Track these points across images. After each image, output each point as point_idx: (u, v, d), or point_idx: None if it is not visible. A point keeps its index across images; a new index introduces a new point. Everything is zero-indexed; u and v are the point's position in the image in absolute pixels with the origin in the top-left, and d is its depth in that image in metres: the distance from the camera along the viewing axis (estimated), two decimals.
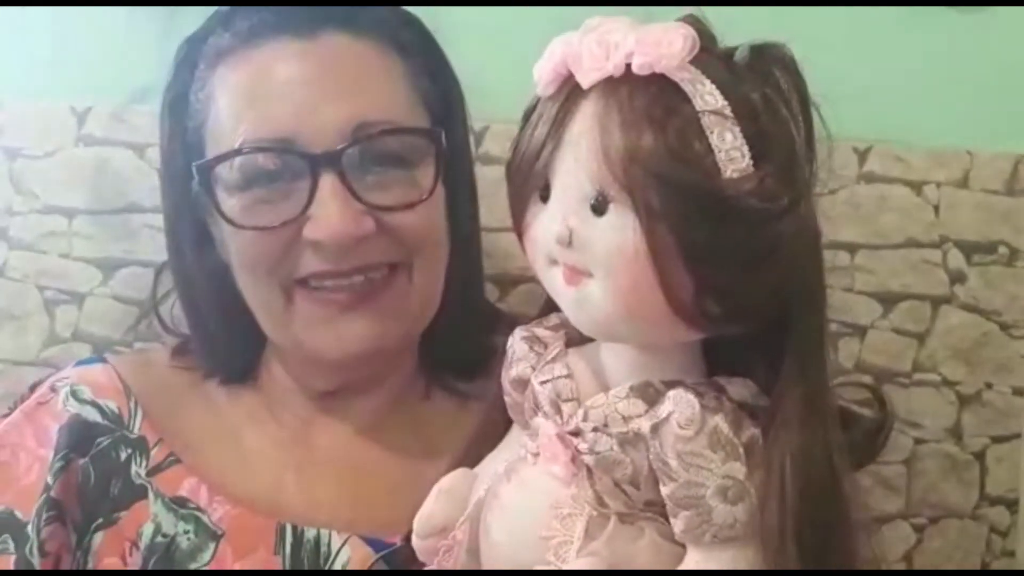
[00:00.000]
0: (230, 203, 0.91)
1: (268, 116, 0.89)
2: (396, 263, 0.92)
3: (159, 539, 0.94)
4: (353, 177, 0.88)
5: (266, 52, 0.91)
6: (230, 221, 0.91)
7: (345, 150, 0.87)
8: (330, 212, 0.87)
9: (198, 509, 0.95)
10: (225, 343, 1.00)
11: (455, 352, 1.00)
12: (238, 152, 0.89)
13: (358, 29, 0.93)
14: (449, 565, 0.75)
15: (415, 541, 0.78)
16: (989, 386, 1.21)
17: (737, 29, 0.68)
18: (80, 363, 1.04)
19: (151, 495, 0.95)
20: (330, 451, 0.98)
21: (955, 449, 1.21)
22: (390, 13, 0.96)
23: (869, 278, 1.20)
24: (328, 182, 0.87)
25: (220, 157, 0.91)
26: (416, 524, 0.78)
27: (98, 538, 0.94)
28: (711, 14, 0.68)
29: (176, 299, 1.05)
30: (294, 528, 0.93)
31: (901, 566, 1.21)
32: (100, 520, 0.95)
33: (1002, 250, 1.20)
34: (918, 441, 1.21)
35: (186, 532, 0.94)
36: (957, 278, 1.20)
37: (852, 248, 1.19)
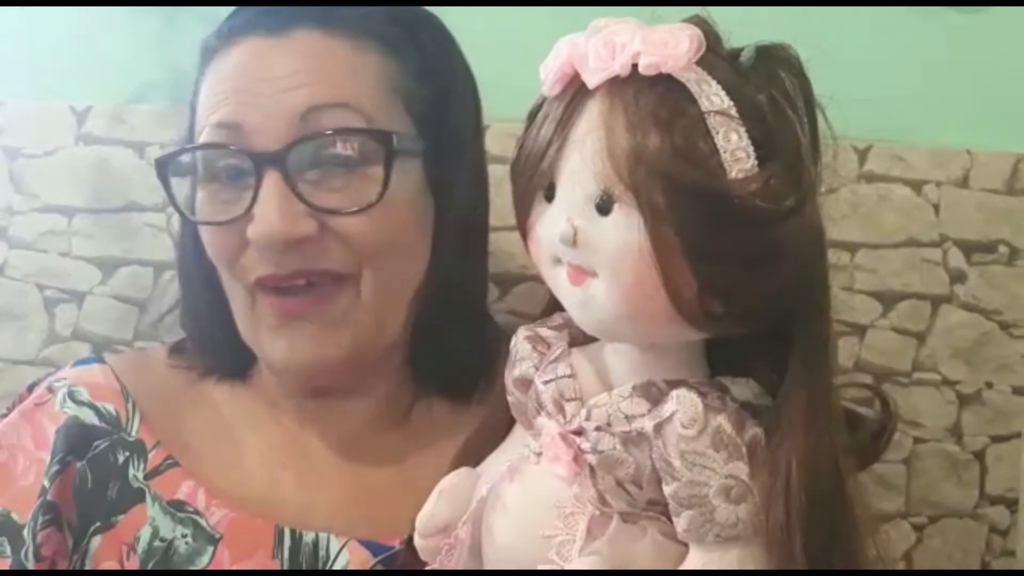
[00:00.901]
0: (199, 196, 0.92)
1: (222, 108, 0.89)
2: (342, 274, 0.90)
3: (157, 543, 0.93)
4: (300, 178, 0.87)
5: (241, 48, 0.91)
6: (182, 213, 0.92)
7: (290, 148, 0.86)
8: (270, 211, 0.86)
9: (196, 513, 0.94)
10: (221, 341, 0.99)
11: (453, 359, 0.98)
12: (189, 149, 0.91)
13: (334, 26, 0.91)
14: (451, 564, 0.75)
15: (417, 540, 0.78)
16: (989, 385, 1.21)
17: (742, 30, 0.68)
18: (78, 363, 1.03)
19: (149, 499, 0.95)
20: (328, 454, 0.98)
21: (955, 448, 1.21)
22: (380, 12, 0.94)
23: (869, 277, 1.20)
24: (272, 181, 0.86)
25: (174, 153, 0.92)
26: (418, 523, 0.78)
27: (95, 542, 0.94)
28: (717, 15, 0.68)
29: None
30: (292, 531, 0.93)
31: (901, 566, 1.21)
32: (97, 524, 0.94)
33: (1002, 249, 1.20)
34: (918, 440, 1.21)
35: (184, 536, 0.93)
36: (957, 277, 1.20)
37: (852, 247, 1.19)
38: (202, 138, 0.90)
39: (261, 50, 0.90)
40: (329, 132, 0.87)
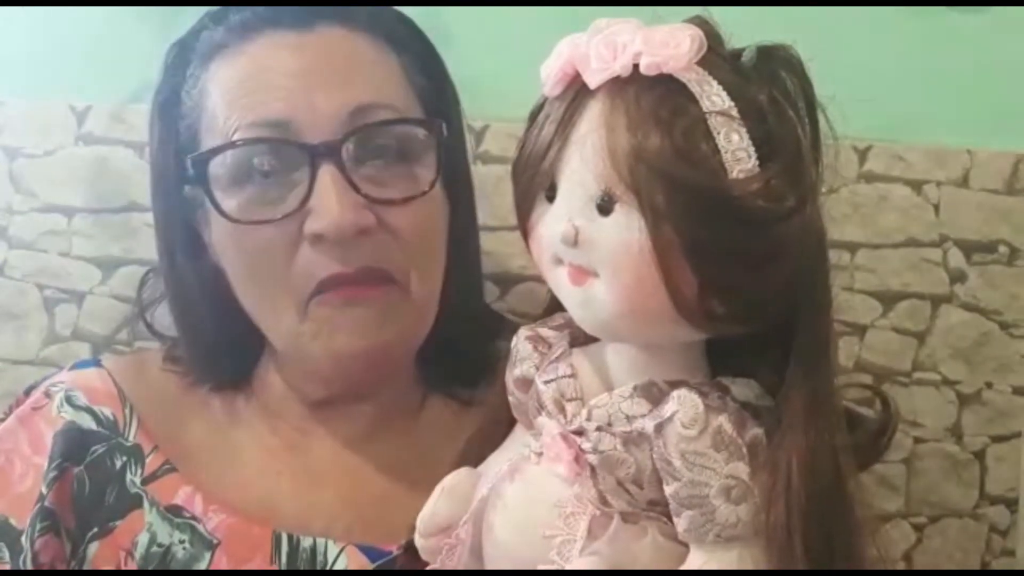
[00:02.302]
0: (227, 203, 0.88)
1: (263, 105, 0.87)
2: (395, 278, 0.89)
3: (155, 549, 0.93)
4: (351, 170, 0.86)
5: (260, 44, 0.90)
6: (228, 216, 0.88)
7: (344, 141, 0.86)
8: (331, 203, 0.85)
9: (193, 518, 0.94)
10: (217, 349, 0.99)
11: (455, 358, 0.98)
12: (233, 144, 0.88)
13: (353, 23, 0.91)
14: (452, 564, 0.75)
15: (418, 540, 0.78)
16: (989, 385, 1.21)
17: (743, 30, 0.68)
18: (75, 366, 1.03)
19: (146, 504, 0.94)
20: (326, 459, 0.97)
21: (955, 448, 1.21)
22: (384, 11, 0.95)
23: (869, 277, 1.20)
24: (327, 173, 0.85)
25: (216, 149, 0.88)
26: (419, 523, 0.77)
27: (93, 548, 0.93)
28: (719, 15, 0.68)
29: (163, 303, 1.04)
30: (290, 537, 0.93)
31: (901, 566, 1.21)
32: (95, 530, 0.94)
33: (1002, 249, 1.20)
34: (918, 440, 1.21)
35: (182, 542, 0.93)
36: (957, 277, 1.20)
37: (852, 247, 1.19)
38: (238, 136, 0.88)
39: (287, 45, 0.89)
40: (380, 121, 0.88)
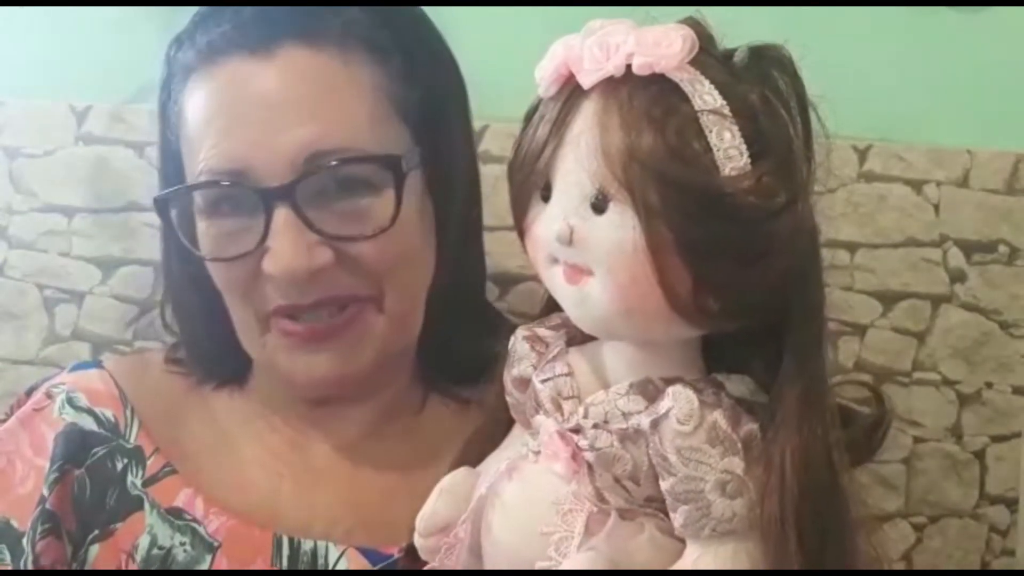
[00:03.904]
0: (201, 226, 0.90)
1: (224, 147, 0.87)
2: (364, 296, 0.90)
3: (155, 551, 0.93)
4: (309, 207, 0.86)
5: (225, 70, 0.88)
6: (194, 250, 0.90)
7: (297, 183, 0.85)
8: (283, 245, 0.85)
9: (194, 520, 0.93)
10: (217, 349, 0.99)
11: (456, 358, 0.98)
12: (195, 186, 0.89)
13: (319, 40, 0.88)
14: (451, 563, 0.75)
15: (417, 540, 0.78)
16: (989, 385, 1.21)
17: (738, 30, 0.68)
18: (76, 367, 1.02)
19: (147, 506, 0.94)
20: (326, 460, 0.97)
21: (955, 448, 1.21)
22: (363, 14, 0.91)
23: (869, 277, 1.20)
24: (282, 215, 0.85)
25: (174, 190, 0.91)
26: (418, 523, 0.78)
27: (94, 550, 0.93)
28: (711, 16, 0.68)
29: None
30: (291, 540, 0.92)
31: (901, 565, 1.21)
32: (96, 532, 0.94)
33: (1002, 249, 1.20)
34: (918, 440, 1.21)
35: (182, 544, 0.93)
36: (957, 277, 1.20)
37: (852, 247, 1.19)
38: (202, 174, 0.88)
39: (248, 74, 0.88)
40: (335, 163, 0.86)
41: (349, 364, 0.91)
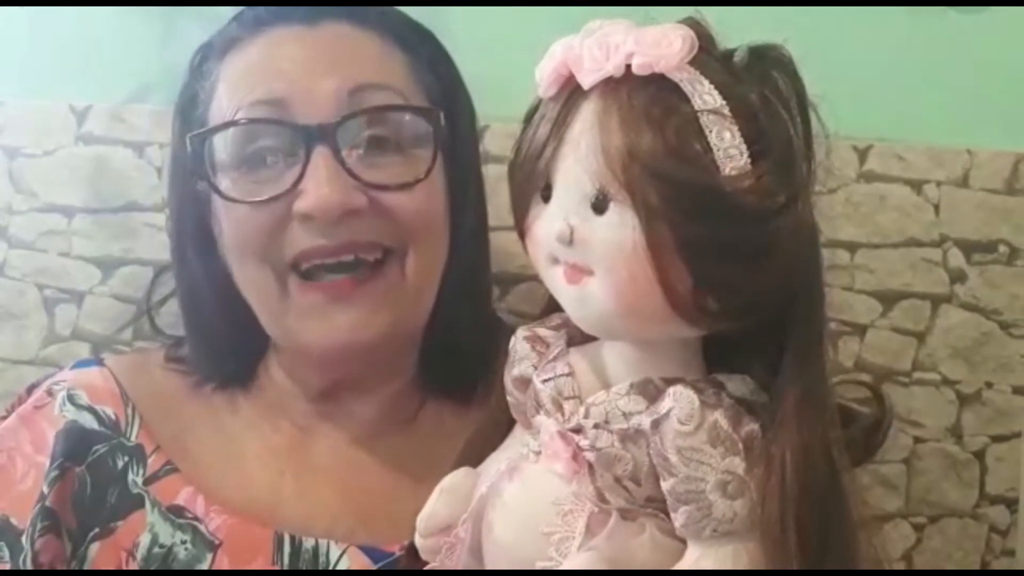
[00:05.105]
0: (225, 183, 0.90)
1: (263, 86, 0.89)
2: (389, 248, 0.90)
3: (156, 549, 0.93)
4: (348, 154, 0.87)
5: (269, 35, 0.92)
6: (222, 194, 0.90)
7: (340, 124, 0.87)
8: (320, 183, 0.86)
9: (195, 519, 0.94)
10: (223, 346, 0.99)
11: (455, 359, 0.98)
12: (234, 122, 0.89)
13: (361, 21, 0.93)
14: (451, 563, 0.75)
15: (418, 540, 0.78)
16: (989, 385, 1.21)
17: (738, 30, 0.68)
18: (77, 365, 1.03)
19: (148, 504, 0.94)
20: (328, 459, 0.97)
21: (955, 448, 1.21)
22: (395, 13, 0.97)
23: (869, 277, 1.20)
24: (321, 156, 0.86)
25: (215, 128, 0.90)
26: (419, 523, 0.78)
27: (94, 548, 0.93)
28: (711, 16, 0.68)
29: (170, 302, 1.05)
30: (292, 538, 0.93)
31: (901, 565, 1.21)
32: (96, 530, 0.94)
33: (1002, 249, 1.20)
34: (918, 440, 1.21)
35: (183, 542, 0.93)
36: (957, 277, 1.20)
37: (852, 247, 1.19)
38: (235, 113, 0.89)
39: (294, 37, 0.92)
40: (378, 106, 0.89)
41: (368, 327, 0.90)
